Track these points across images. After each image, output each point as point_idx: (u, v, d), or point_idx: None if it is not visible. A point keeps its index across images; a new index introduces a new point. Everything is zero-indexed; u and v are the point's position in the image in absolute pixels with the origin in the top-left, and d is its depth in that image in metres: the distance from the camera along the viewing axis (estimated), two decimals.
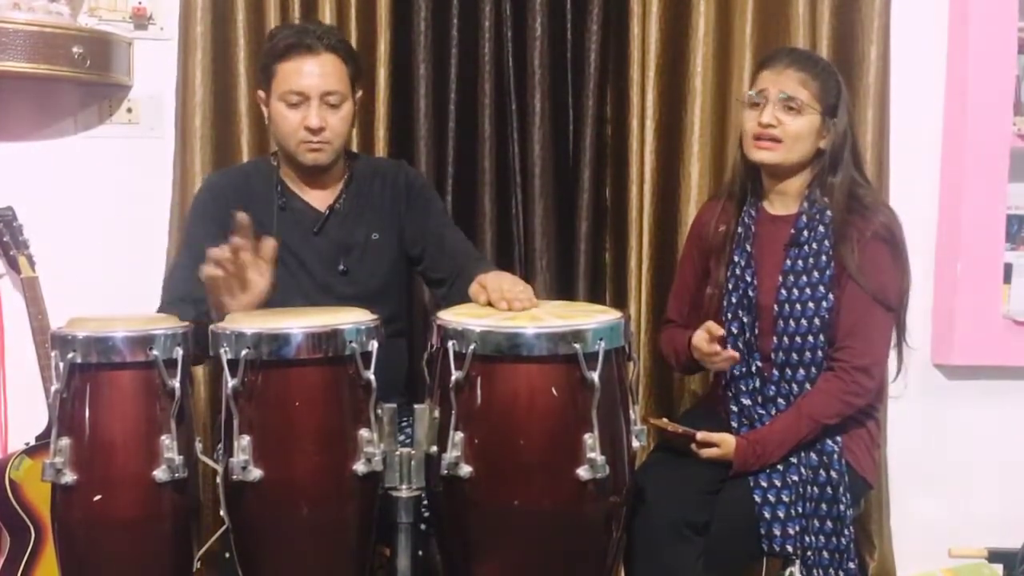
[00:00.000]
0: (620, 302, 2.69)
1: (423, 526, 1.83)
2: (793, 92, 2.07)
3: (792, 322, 2.09)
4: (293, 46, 2.08)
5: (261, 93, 2.17)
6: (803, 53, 2.29)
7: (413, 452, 1.76)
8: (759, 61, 2.22)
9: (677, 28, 2.65)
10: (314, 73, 2.07)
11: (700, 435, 2.05)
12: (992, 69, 2.68)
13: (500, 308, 1.78)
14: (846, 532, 2.03)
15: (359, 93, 2.20)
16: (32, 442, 2.42)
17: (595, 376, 1.62)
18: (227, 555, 1.82)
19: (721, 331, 2.07)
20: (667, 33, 2.64)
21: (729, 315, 2.16)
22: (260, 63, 2.20)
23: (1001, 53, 2.68)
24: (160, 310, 2.04)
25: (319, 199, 2.21)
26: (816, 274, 2.08)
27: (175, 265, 2.20)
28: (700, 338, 2.09)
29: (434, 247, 2.22)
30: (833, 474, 2.04)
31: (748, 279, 2.14)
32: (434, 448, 1.72)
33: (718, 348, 2.06)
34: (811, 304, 2.07)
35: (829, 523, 2.03)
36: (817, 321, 2.07)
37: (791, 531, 1.98)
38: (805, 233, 2.11)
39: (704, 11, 2.62)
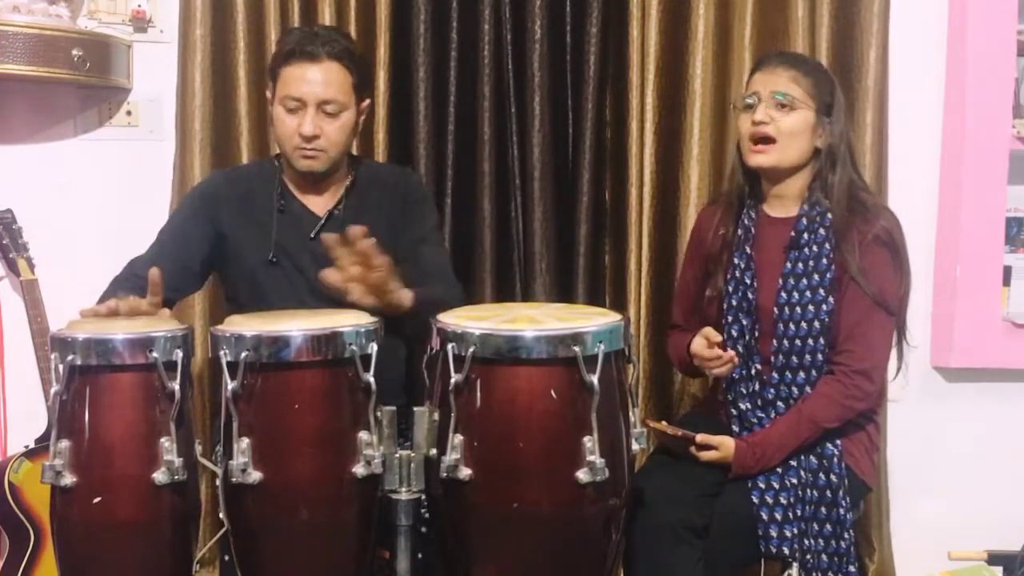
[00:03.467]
0: (619, 305, 2.69)
1: (423, 529, 1.83)
2: (785, 89, 2.07)
3: (792, 325, 2.09)
4: (295, 52, 2.08)
5: (268, 94, 2.19)
6: (792, 54, 2.28)
7: (412, 455, 1.76)
8: (751, 67, 2.21)
9: (676, 31, 2.65)
10: (314, 80, 2.07)
11: (699, 437, 2.05)
12: (991, 71, 2.68)
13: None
14: (846, 535, 2.03)
15: (365, 102, 2.19)
16: (31, 444, 2.42)
17: (594, 379, 1.62)
18: (226, 558, 1.82)
19: (719, 337, 2.07)
20: (666, 36, 2.65)
21: (729, 318, 2.16)
22: (269, 64, 2.22)
23: (1000, 55, 2.68)
24: (114, 279, 2.06)
25: (319, 204, 2.21)
26: (816, 276, 2.08)
27: (150, 246, 2.18)
28: (699, 344, 2.09)
29: (407, 256, 2.16)
30: (833, 477, 2.04)
31: (748, 282, 2.14)
32: (433, 451, 1.72)
33: (719, 352, 2.06)
34: (811, 307, 2.07)
35: (828, 526, 2.03)
36: (817, 324, 2.07)
37: (789, 533, 1.98)
38: (805, 235, 2.11)
39: (704, 14, 2.63)
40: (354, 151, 2.55)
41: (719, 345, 2.06)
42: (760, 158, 2.10)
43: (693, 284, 2.29)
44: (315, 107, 2.07)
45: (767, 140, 2.08)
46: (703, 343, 2.08)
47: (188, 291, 2.23)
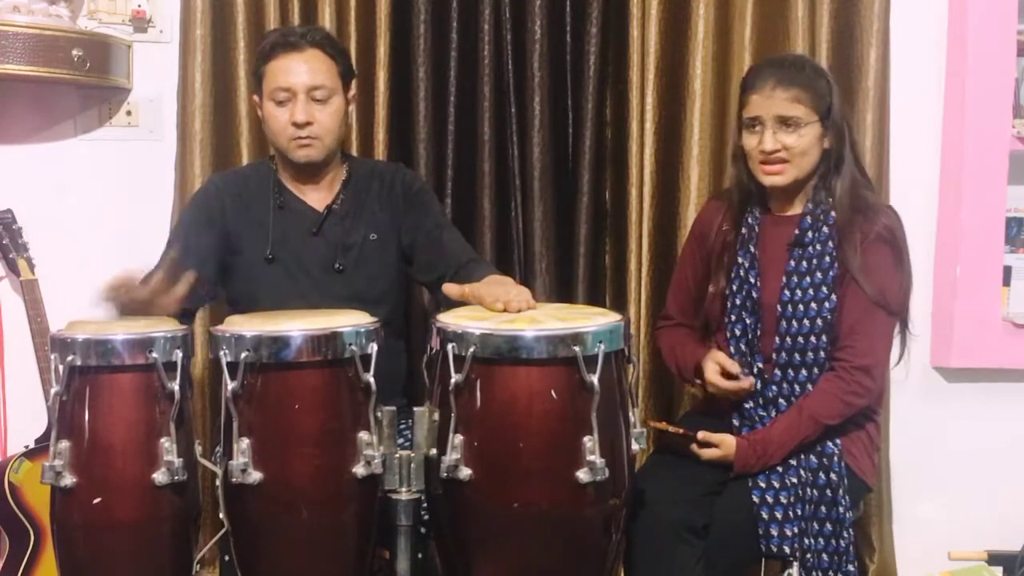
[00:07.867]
0: (620, 305, 2.68)
1: (423, 529, 1.83)
2: (787, 112, 2.04)
3: (795, 322, 2.09)
4: (278, 45, 2.13)
5: (256, 97, 2.21)
6: (786, 65, 2.11)
7: (413, 455, 1.76)
8: (742, 83, 2.13)
9: (677, 31, 2.65)
10: (299, 70, 2.11)
11: (701, 435, 2.05)
12: (991, 71, 2.68)
13: (496, 309, 1.78)
14: (845, 534, 2.03)
15: (353, 91, 2.23)
16: (32, 445, 2.42)
17: (594, 379, 1.62)
18: (226, 558, 1.82)
19: (736, 368, 2.08)
20: (666, 36, 2.64)
21: (732, 316, 2.16)
22: (252, 68, 2.26)
23: (1000, 56, 2.68)
24: None
25: (317, 200, 2.22)
26: (819, 274, 2.08)
27: (161, 256, 2.17)
28: (714, 373, 2.10)
29: (429, 246, 2.21)
30: (833, 476, 2.04)
31: (752, 280, 2.14)
32: (434, 451, 1.72)
33: (739, 385, 2.08)
34: (814, 304, 2.07)
35: (828, 525, 2.03)
36: (820, 321, 2.07)
37: (789, 532, 1.98)
38: (809, 234, 2.10)
39: (704, 14, 2.62)
40: (354, 152, 2.56)
41: (733, 376, 2.08)
42: (776, 179, 2.08)
43: (691, 278, 2.29)
44: (305, 94, 2.10)
45: (780, 161, 2.07)
46: (716, 369, 2.10)
47: (205, 301, 2.23)
